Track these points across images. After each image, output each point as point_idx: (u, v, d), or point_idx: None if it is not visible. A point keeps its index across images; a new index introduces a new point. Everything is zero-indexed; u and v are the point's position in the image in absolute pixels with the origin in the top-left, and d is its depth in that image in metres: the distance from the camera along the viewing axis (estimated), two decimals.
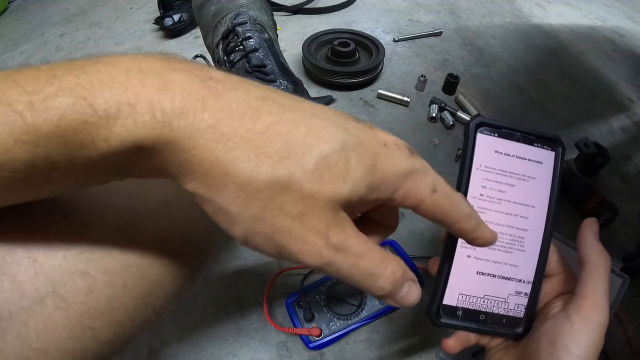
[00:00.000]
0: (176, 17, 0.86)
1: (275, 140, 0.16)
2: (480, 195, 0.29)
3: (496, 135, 0.30)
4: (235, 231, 0.17)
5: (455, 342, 0.31)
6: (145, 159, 0.16)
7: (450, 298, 0.30)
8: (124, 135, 0.14)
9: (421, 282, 0.49)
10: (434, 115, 0.71)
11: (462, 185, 0.29)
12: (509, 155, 0.30)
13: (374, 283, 0.19)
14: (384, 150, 0.19)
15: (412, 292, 0.20)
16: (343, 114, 0.19)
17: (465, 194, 0.29)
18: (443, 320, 0.30)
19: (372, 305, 0.47)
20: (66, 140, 0.14)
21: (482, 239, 0.23)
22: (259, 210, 0.16)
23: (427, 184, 0.20)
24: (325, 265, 0.18)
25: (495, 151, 0.30)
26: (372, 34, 0.84)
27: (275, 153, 0.16)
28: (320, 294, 0.48)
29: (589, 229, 0.29)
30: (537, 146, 0.30)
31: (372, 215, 0.23)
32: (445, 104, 0.72)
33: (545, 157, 0.30)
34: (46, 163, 0.14)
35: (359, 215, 0.23)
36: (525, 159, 0.30)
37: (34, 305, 0.18)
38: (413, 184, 0.19)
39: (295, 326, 0.46)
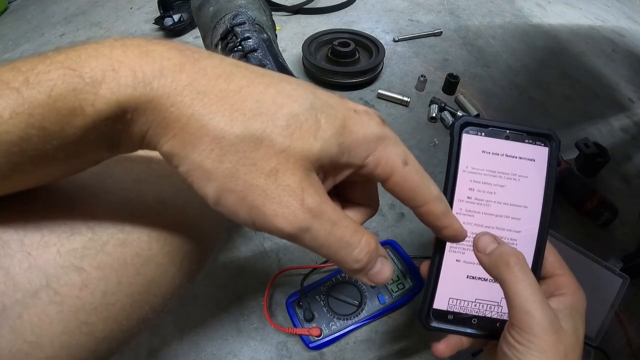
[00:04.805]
0: (176, 17, 0.86)
1: (248, 99, 0.17)
2: (468, 197, 0.29)
3: (483, 134, 0.29)
4: (208, 189, 0.17)
5: (445, 346, 0.30)
6: (129, 124, 0.17)
7: (441, 302, 0.29)
8: (109, 97, 0.15)
9: (422, 283, 0.50)
10: (434, 115, 0.71)
11: (447, 189, 0.28)
12: (498, 154, 0.29)
13: (349, 253, 0.18)
14: (354, 114, 0.19)
15: (384, 269, 0.20)
16: (312, 84, 0.20)
17: (451, 198, 0.28)
18: (434, 324, 0.29)
19: (372, 305, 0.47)
20: (57, 108, 0.15)
21: (451, 229, 0.22)
22: (232, 166, 0.16)
23: (398, 153, 0.20)
24: (301, 231, 0.17)
25: (483, 151, 0.29)
26: (372, 34, 0.84)
27: (248, 111, 0.17)
28: (320, 294, 0.48)
29: (478, 254, 0.28)
30: (529, 142, 0.29)
31: (351, 195, 0.23)
32: (445, 104, 0.72)
33: (538, 154, 0.29)
34: (39, 133, 0.15)
35: (339, 198, 0.23)
36: (516, 157, 0.29)
37: (27, 298, 0.18)
38: (384, 151, 0.19)
39: (295, 326, 0.46)
